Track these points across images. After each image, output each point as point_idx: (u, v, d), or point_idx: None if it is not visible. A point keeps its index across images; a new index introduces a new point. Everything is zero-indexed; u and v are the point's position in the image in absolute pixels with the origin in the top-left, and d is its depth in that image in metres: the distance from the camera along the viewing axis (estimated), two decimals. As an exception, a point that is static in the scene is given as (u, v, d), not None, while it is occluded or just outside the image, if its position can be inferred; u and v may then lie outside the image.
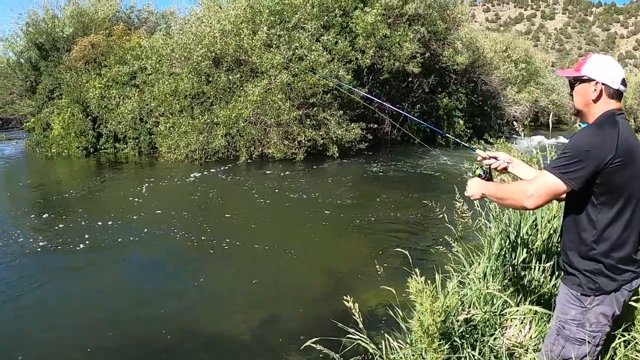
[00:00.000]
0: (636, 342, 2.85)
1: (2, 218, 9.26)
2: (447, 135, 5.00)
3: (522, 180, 2.80)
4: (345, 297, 3.05)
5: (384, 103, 5.88)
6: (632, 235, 2.37)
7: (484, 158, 2.95)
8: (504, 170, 2.96)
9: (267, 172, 14.01)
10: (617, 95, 2.42)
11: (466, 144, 3.54)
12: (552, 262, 4.02)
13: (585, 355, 2.46)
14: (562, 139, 19.35)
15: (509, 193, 2.44)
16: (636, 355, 2.85)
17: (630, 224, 2.36)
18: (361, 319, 3.06)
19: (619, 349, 2.75)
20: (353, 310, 3.00)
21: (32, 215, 9.46)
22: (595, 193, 2.31)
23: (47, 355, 4.81)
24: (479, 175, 2.82)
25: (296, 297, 6.09)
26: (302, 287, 6.36)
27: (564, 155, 2.29)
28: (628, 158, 2.27)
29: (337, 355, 2.98)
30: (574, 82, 2.50)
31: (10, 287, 6.20)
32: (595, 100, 2.41)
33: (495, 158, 2.94)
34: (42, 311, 5.70)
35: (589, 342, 2.43)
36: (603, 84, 2.39)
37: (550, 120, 8.45)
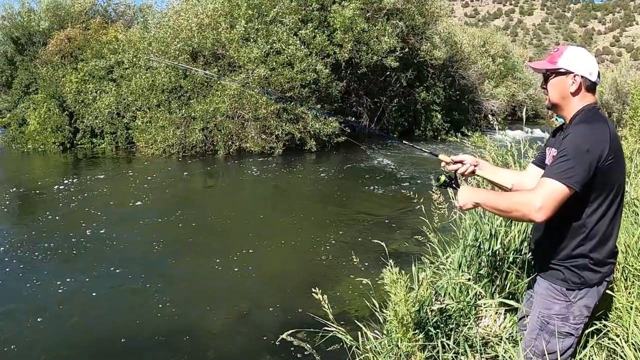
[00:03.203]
0: (608, 330, 2.89)
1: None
2: (399, 140, 4.81)
3: (515, 190, 2.63)
4: (314, 290, 3.02)
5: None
6: (615, 230, 2.37)
7: (448, 163, 2.80)
8: (471, 174, 2.79)
9: (245, 166, 13.95)
10: (593, 88, 2.40)
11: (425, 150, 3.26)
12: (526, 254, 4.06)
13: (570, 347, 2.48)
14: (539, 133, 19.54)
15: (513, 205, 2.24)
16: (607, 343, 2.90)
17: (614, 218, 2.35)
18: (331, 311, 3.04)
19: (590, 338, 2.79)
20: (323, 303, 2.98)
21: (6, 212, 9.30)
22: (584, 190, 2.23)
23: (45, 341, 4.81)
24: (444, 183, 2.68)
25: (274, 289, 6.09)
26: (280, 280, 6.36)
27: (565, 159, 2.20)
28: (618, 154, 2.26)
29: (309, 346, 2.97)
30: (548, 74, 2.44)
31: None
32: (574, 94, 2.37)
33: (461, 162, 2.78)
34: (13, 313, 5.58)
35: (572, 334, 2.45)
36: (582, 76, 2.35)
37: (523, 114, 8.54)
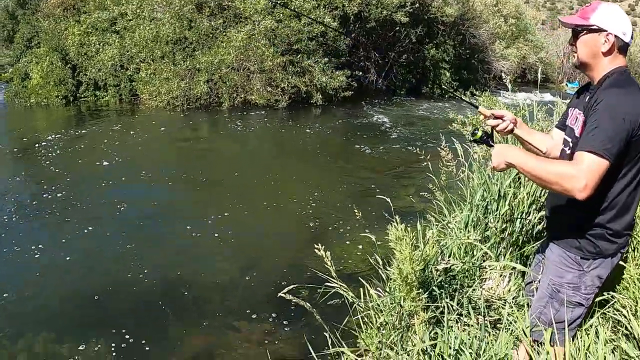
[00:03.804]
0: (615, 301, 2.82)
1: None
2: (456, 94, 4.69)
3: (550, 159, 2.37)
4: (316, 246, 2.91)
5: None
6: (635, 201, 2.25)
7: (487, 117, 2.57)
8: (509, 132, 2.58)
9: (250, 118, 13.80)
10: (625, 49, 2.22)
11: (465, 99, 3.07)
12: (534, 218, 3.95)
13: (578, 318, 2.41)
14: (549, 97, 19.23)
15: (554, 176, 2.03)
16: (613, 314, 2.83)
17: (636, 190, 2.22)
18: (334, 268, 2.93)
19: (597, 308, 2.71)
20: (326, 259, 2.88)
21: (11, 166, 9.20)
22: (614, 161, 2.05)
23: (28, 310, 4.72)
24: (481, 138, 2.47)
25: (275, 245, 6.04)
26: (283, 235, 6.31)
27: (601, 128, 2.02)
28: None
29: (308, 304, 2.89)
30: (579, 30, 2.24)
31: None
32: (606, 54, 2.19)
33: (501, 117, 2.54)
34: (18, 264, 5.56)
35: (582, 304, 2.37)
36: (615, 35, 2.16)
37: (539, 75, 8.34)
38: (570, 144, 2.34)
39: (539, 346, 2.50)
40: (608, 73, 2.20)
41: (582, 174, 1.98)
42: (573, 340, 2.49)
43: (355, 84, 15.94)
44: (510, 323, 2.99)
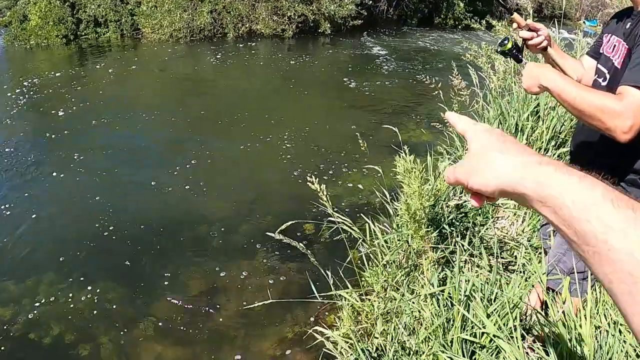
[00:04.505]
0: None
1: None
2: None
3: (591, 88, 1.93)
4: (309, 179, 2.66)
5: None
6: None
7: (521, 27, 2.20)
8: (543, 50, 2.21)
9: (256, 49, 13.40)
10: None
11: (502, 2, 2.73)
12: (551, 155, 3.69)
13: None
14: (566, 34, 18.47)
15: (595, 110, 1.69)
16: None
17: None
18: (330, 204, 2.65)
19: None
20: (321, 194, 2.62)
21: (13, 107, 8.94)
22: None
23: (27, 248, 4.64)
24: (511, 50, 2.16)
25: (280, 178, 5.87)
26: (287, 168, 6.10)
27: None
28: None
29: (310, 241, 2.69)
30: None
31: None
32: None
33: (537, 31, 2.18)
34: (20, 201, 5.44)
35: None
36: None
37: (563, 4, 7.83)
38: (607, 75, 1.97)
39: (555, 294, 2.30)
40: None
41: (629, 112, 1.64)
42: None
43: (365, 12, 15.32)
44: (524, 266, 2.79)
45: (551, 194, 0.62)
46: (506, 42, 2.18)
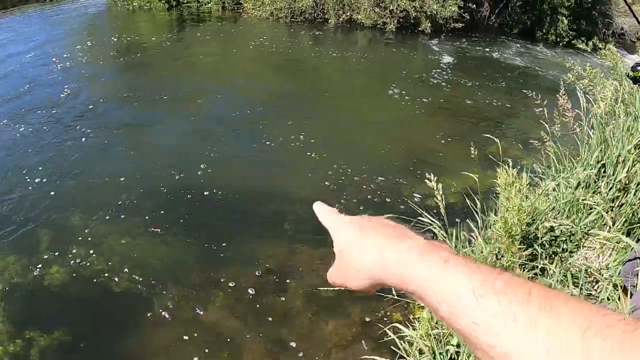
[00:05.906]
0: None
1: (87, 67, 9.12)
2: None
3: None
4: (428, 176, 2.71)
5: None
6: None
7: None
8: None
9: (355, 38, 13.42)
10: None
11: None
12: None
13: None
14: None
15: None
16: None
17: None
18: (444, 203, 2.72)
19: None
20: (436, 193, 2.67)
21: (113, 67, 9.40)
22: None
23: (101, 194, 4.99)
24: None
25: (369, 168, 5.92)
26: (377, 159, 6.16)
27: None
28: None
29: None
30: None
31: (79, 131, 6.33)
32: None
33: None
34: (106, 154, 5.86)
35: None
36: None
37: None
38: None
39: None
40: None
41: None
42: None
43: (467, 16, 15.02)
44: (607, 301, 2.72)
45: (413, 290, 0.57)
46: (639, 67, 2.15)
